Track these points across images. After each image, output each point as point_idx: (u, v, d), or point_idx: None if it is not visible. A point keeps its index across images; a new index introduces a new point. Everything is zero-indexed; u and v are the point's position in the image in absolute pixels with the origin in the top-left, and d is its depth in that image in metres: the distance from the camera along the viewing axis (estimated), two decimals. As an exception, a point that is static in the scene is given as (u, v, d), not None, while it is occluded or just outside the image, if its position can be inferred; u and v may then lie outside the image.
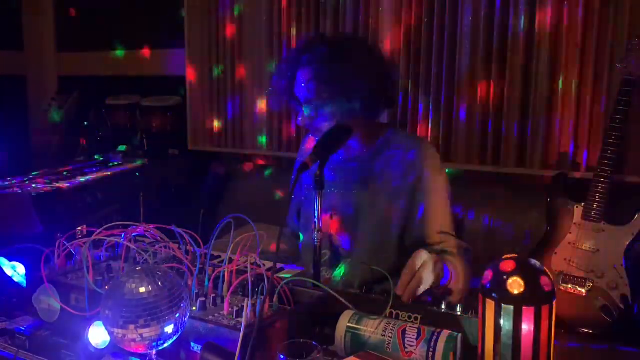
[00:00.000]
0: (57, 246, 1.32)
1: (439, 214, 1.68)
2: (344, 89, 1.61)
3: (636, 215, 2.08)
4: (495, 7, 2.50)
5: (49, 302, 1.24)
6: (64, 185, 2.46)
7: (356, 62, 1.64)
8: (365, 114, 1.69)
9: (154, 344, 0.97)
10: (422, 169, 1.68)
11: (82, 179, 2.60)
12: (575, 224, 2.16)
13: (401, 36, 2.68)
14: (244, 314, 1.04)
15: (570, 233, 2.16)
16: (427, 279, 1.38)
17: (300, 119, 1.70)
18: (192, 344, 1.07)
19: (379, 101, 1.72)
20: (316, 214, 1.46)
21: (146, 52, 3.50)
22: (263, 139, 3.13)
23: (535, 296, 0.97)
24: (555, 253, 2.17)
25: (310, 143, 1.85)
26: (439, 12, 2.61)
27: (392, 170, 1.70)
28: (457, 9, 2.58)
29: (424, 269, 1.38)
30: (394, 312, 1.21)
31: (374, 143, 1.74)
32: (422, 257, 1.41)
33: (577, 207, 2.17)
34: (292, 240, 1.90)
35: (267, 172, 3.05)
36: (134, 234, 1.35)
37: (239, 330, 1.01)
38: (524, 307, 0.97)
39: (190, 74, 3.28)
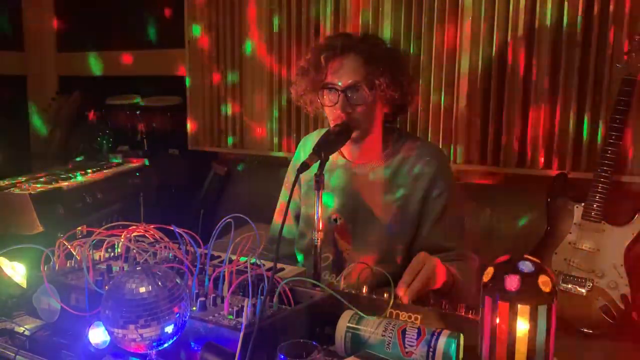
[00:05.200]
0: (57, 246, 1.32)
1: (447, 223, 1.67)
2: (389, 82, 1.60)
3: (636, 215, 2.08)
4: (495, 7, 2.50)
5: (49, 302, 1.24)
6: (64, 185, 2.46)
7: (405, 62, 1.71)
8: (386, 120, 1.70)
9: (154, 344, 0.97)
10: (433, 178, 1.66)
11: (82, 179, 2.60)
12: (575, 224, 2.16)
13: (401, 35, 2.69)
14: (244, 314, 1.04)
15: (570, 233, 2.16)
16: (429, 282, 1.38)
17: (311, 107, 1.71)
18: (192, 344, 1.07)
19: (402, 110, 1.74)
20: (316, 214, 1.45)
21: (146, 52, 3.49)
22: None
23: (536, 296, 0.97)
24: (555, 253, 2.17)
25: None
26: (439, 11, 2.61)
27: (403, 178, 1.68)
28: (457, 8, 2.58)
29: (426, 272, 1.38)
30: (394, 312, 1.21)
31: (385, 148, 1.72)
32: (425, 259, 1.40)
33: (577, 207, 2.17)
34: (287, 247, 1.88)
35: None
36: (134, 234, 1.35)
37: (239, 330, 1.01)
38: (524, 306, 0.97)
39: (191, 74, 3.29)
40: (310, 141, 1.82)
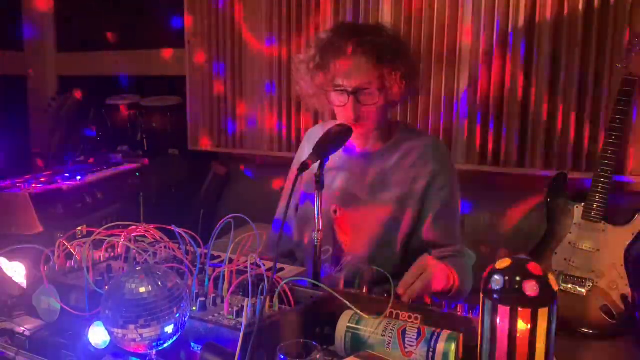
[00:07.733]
0: (57, 246, 1.32)
1: (447, 218, 1.67)
2: (399, 83, 1.60)
3: (636, 215, 2.08)
4: (496, 5, 2.50)
5: (49, 302, 1.24)
6: (64, 185, 2.46)
7: (414, 60, 1.72)
8: (390, 112, 1.71)
9: (154, 344, 0.97)
10: (433, 171, 1.66)
11: (82, 179, 2.60)
12: (575, 224, 2.16)
13: (401, 32, 2.68)
14: (244, 314, 1.04)
15: (570, 233, 2.16)
16: (430, 285, 1.38)
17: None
18: (192, 344, 1.07)
19: (403, 102, 1.75)
20: (316, 214, 1.45)
21: (146, 52, 3.49)
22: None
23: (536, 297, 0.97)
24: (556, 253, 2.17)
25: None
26: (439, 8, 2.61)
27: (404, 170, 1.68)
28: (457, 6, 2.58)
29: (429, 274, 1.38)
30: (394, 312, 1.21)
31: (386, 141, 1.73)
32: (429, 262, 1.40)
33: (577, 207, 2.17)
34: (288, 246, 1.88)
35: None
36: (134, 234, 1.35)
37: (239, 330, 1.01)
38: (523, 308, 0.97)
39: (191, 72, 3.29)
40: (314, 134, 1.82)
